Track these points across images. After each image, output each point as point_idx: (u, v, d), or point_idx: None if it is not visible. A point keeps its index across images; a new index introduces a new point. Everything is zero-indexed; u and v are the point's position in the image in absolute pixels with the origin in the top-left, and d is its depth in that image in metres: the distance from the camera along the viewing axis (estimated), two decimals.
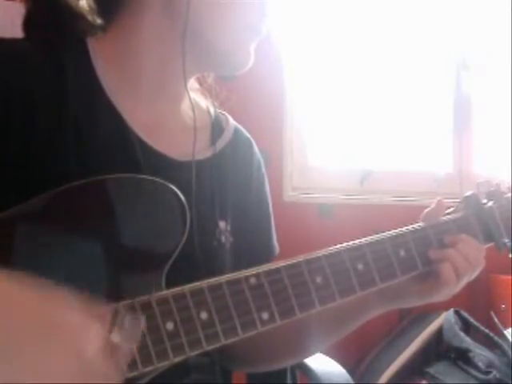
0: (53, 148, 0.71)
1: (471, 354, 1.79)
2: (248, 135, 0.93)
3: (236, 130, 0.90)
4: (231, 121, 0.91)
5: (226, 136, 0.88)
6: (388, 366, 1.84)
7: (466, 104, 2.27)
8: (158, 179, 0.69)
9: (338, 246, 0.73)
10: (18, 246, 0.62)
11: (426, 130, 2.23)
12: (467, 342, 1.83)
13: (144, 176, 0.70)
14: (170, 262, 0.67)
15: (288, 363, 0.96)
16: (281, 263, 0.69)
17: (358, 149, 2.12)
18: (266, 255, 0.91)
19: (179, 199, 0.68)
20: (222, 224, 0.82)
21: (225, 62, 0.81)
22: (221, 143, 0.86)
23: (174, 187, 0.69)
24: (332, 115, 2.10)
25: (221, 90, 0.93)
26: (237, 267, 0.79)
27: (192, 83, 0.87)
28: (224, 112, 0.92)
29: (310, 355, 0.97)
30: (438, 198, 0.84)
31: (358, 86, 2.11)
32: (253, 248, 0.88)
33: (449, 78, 2.27)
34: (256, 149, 0.93)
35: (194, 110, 0.82)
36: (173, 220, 0.68)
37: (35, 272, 0.60)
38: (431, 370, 1.81)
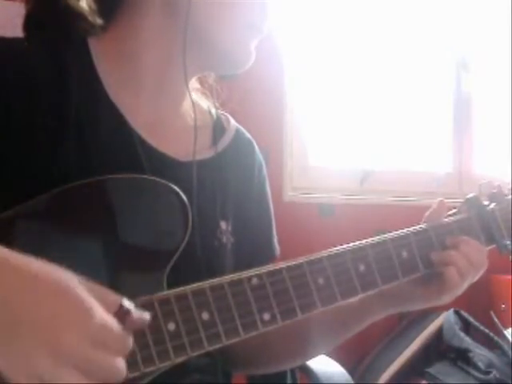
0: (54, 147, 0.71)
1: (471, 354, 1.79)
2: (249, 136, 0.93)
3: (237, 131, 0.90)
4: (232, 121, 0.91)
5: (228, 137, 0.88)
6: (388, 365, 1.84)
7: (465, 104, 2.27)
8: (159, 179, 0.69)
9: (340, 247, 0.73)
10: (18, 245, 0.62)
11: (425, 129, 2.23)
12: (467, 342, 1.83)
13: (146, 176, 0.70)
14: (172, 262, 0.67)
15: (290, 365, 0.96)
16: (282, 264, 0.69)
17: (358, 149, 2.12)
18: (267, 256, 0.91)
19: (181, 199, 0.68)
20: (223, 224, 0.82)
21: (226, 61, 0.81)
22: (222, 144, 0.86)
23: (175, 187, 0.69)
24: (332, 115, 2.10)
25: (222, 91, 0.93)
26: (237, 267, 0.79)
27: (193, 83, 0.87)
28: (225, 113, 0.92)
29: (311, 358, 0.97)
30: (440, 199, 0.84)
31: (358, 86, 2.11)
32: (253, 249, 0.88)
33: (449, 78, 2.27)
34: (257, 150, 0.93)
35: (194, 110, 0.82)
36: (175, 220, 0.68)
37: None
38: (431, 370, 1.81)
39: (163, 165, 0.77)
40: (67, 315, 0.51)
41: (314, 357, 0.97)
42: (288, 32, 1.95)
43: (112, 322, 0.53)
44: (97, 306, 0.52)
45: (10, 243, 0.61)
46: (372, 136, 2.13)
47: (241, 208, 0.86)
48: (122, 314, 0.54)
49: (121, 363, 0.53)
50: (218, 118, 0.89)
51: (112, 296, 0.55)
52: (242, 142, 0.90)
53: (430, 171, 2.21)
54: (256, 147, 0.93)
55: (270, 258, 0.91)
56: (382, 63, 2.14)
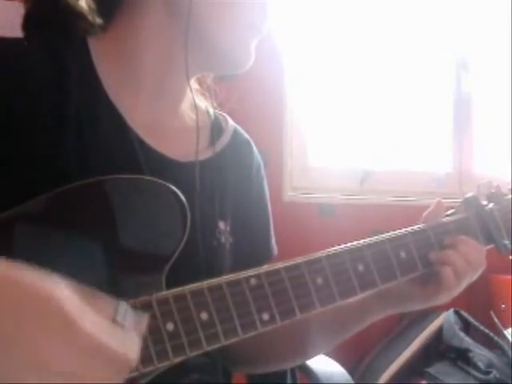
0: (54, 148, 0.71)
1: (471, 354, 1.79)
2: (247, 137, 0.93)
3: (235, 131, 0.90)
4: (230, 122, 0.91)
5: (226, 137, 0.88)
6: (388, 366, 1.84)
7: (465, 104, 2.27)
8: (158, 180, 0.69)
9: (338, 247, 0.73)
10: (17, 246, 0.62)
11: (425, 129, 2.23)
12: (467, 341, 1.83)
13: (145, 176, 0.70)
14: (171, 262, 0.67)
15: (289, 365, 0.96)
16: (281, 264, 0.68)
17: (358, 149, 2.12)
18: (265, 256, 0.91)
19: (180, 200, 0.68)
20: (221, 224, 0.82)
21: (225, 61, 0.81)
22: (220, 144, 0.86)
23: (174, 188, 0.69)
24: (332, 115, 2.10)
25: (220, 91, 0.93)
26: (236, 267, 0.79)
27: (192, 84, 0.87)
28: (223, 113, 0.92)
29: (310, 357, 0.97)
30: (438, 199, 0.84)
31: (358, 86, 2.11)
32: (251, 248, 0.88)
33: (449, 78, 2.27)
34: (255, 150, 0.93)
35: (196, 111, 0.82)
36: (173, 220, 0.68)
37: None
38: (431, 370, 1.81)
39: (162, 165, 0.77)
40: (51, 331, 0.48)
41: (313, 356, 0.97)
42: (288, 32, 1.96)
43: (102, 334, 0.50)
44: (84, 318, 0.49)
45: (10, 243, 0.62)
46: (372, 136, 2.13)
47: (239, 208, 0.87)
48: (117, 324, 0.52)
49: (112, 376, 0.50)
50: (216, 118, 0.90)
51: (104, 300, 0.53)
52: (240, 143, 0.90)
53: (430, 171, 2.21)
54: (254, 147, 0.93)
55: (268, 257, 0.91)
56: (381, 63, 2.14)
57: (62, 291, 0.50)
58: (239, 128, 0.92)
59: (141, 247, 0.66)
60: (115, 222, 0.66)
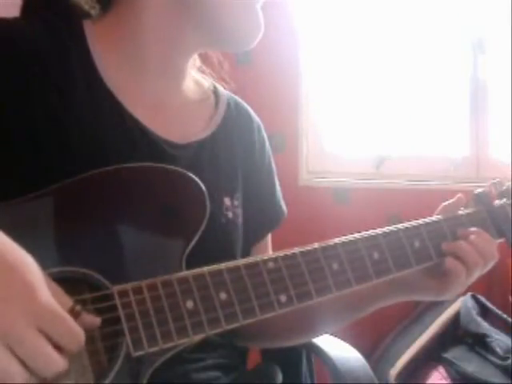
0: (57, 132, 0.70)
1: (489, 340, 1.78)
2: (242, 102, 0.92)
3: (229, 102, 0.90)
4: (222, 92, 0.90)
5: (221, 109, 0.87)
6: (404, 351, 1.84)
7: (482, 87, 2.24)
8: (177, 168, 0.69)
9: (354, 235, 0.74)
10: (42, 226, 0.63)
11: (442, 113, 2.22)
12: (484, 327, 1.81)
13: (165, 165, 0.70)
14: (190, 247, 0.67)
15: (295, 342, 0.96)
16: (297, 249, 0.70)
17: (374, 133, 2.11)
18: (276, 219, 0.92)
19: (199, 188, 0.69)
20: (226, 200, 0.83)
21: (231, 38, 0.81)
22: (218, 119, 0.86)
23: (194, 176, 0.69)
24: (348, 99, 2.08)
25: (233, 73, 0.92)
26: (248, 237, 0.83)
27: (193, 60, 0.86)
28: (217, 84, 0.91)
29: (317, 336, 0.98)
30: (459, 195, 0.85)
31: (375, 71, 2.10)
32: (262, 214, 0.89)
33: (465, 62, 2.25)
34: (253, 113, 0.93)
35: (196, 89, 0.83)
36: (193, 208, 0.69)
37: (60, 252, 0.61)
38: (448, 356, 1.81)
39: (164, 151, 0.76)
40: (11, 292, 0.51)
41: (319, 335, 0.98)
42: (304, 18, 1.94)
43: (59, 309, 0.54)
44: (46, 291, 0.53)
45: (35, 222, 0.62)
46: (388, 121, 2.12)
47: (248, 176, 0.87)
48: (72, 315, 0.55)
49: (53, 352, 0.53)
50: (216, 94, 0.89)
51: (65, 298, 0.56)
52: (237, 111, 0.90)
53: (447, 155, 2.19)
54: (251, 111, 0.93)
55: (278, 220, 0.92)
56: (398, 47, 2.12)
57: (31, 268, 0.54)
58: (234, 96, 0.92)
59: (160, 234, 0.67)
60: (133, 210, 0.66)
